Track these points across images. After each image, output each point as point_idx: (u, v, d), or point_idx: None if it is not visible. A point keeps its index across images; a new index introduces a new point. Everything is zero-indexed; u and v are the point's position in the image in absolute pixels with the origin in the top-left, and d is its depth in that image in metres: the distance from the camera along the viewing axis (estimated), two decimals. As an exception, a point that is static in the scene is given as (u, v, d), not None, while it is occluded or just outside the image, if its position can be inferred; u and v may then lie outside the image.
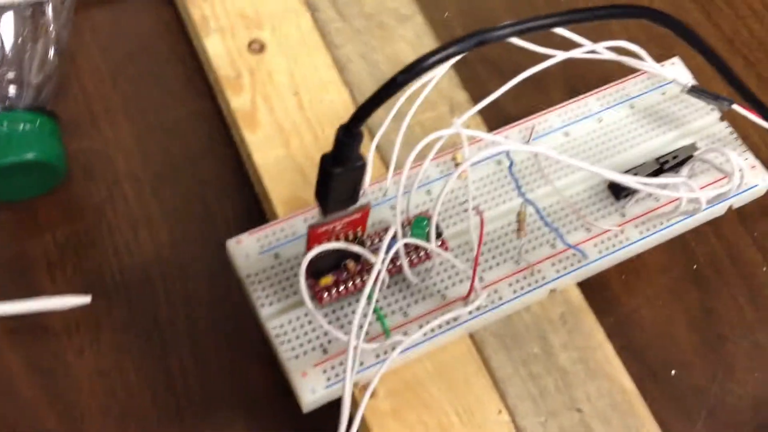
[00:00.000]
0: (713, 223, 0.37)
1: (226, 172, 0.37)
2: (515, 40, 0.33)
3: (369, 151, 0.32)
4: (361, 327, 0.27)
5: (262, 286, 0.31)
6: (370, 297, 0.26)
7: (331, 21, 0.38)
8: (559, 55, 0.31)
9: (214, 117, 0.38)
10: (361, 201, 0.27)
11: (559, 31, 0.32)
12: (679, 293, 0.35)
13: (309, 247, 0.28)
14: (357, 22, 0.38)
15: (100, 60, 0.39)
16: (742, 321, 0.35)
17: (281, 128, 0.35)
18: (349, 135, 0.24)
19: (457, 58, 0.23)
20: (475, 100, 0.37)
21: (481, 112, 0.37)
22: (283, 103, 0.36)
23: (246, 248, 0.31)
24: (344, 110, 0.36)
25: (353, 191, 0.26)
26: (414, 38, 0.38)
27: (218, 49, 0.37)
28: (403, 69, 0.22)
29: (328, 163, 0.25)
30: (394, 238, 0.29)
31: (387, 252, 0.27)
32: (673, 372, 0.34)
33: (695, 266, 0.36)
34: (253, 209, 0.36)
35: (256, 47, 0.37)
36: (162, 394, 0.32)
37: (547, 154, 0.27)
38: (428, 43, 0.38)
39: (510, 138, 0.35)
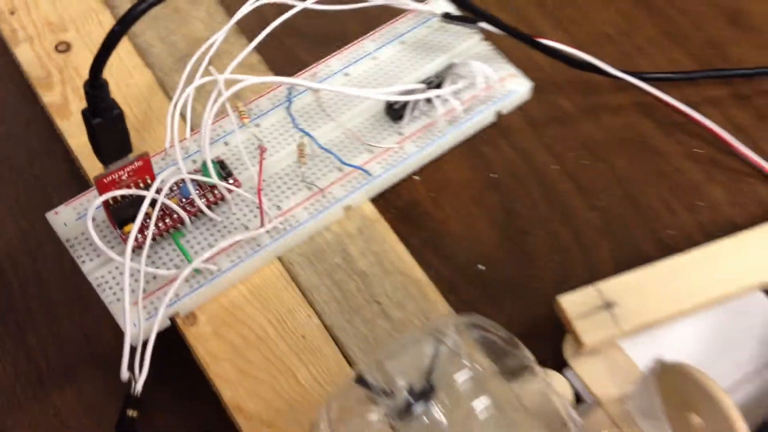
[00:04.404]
0: (508, 136, 0.41)
1: (62, 166, 0.40)
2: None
3: (168, 114, 0.36)
4: (138, 249, 0.31)
5: (82, 246, 0.35)
6: (179, 230, 0.29)
7: (130, 14, 0.42)
8: (299, 5, 0.36)
9: (46, 121, 0.41)
10: (139, 151, 0.31)
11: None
12: (481, 200, 0.40)
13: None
14: (154, 10, 0.42)
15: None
16: (539, 215, 0.39)
17: (92, 113, 0.39)
18: (94, 86, 0.28)
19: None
20: (267, 60, 0.41)
21: (278, 66, 0.41)
22: (92, 91, 0.40)
23: (63, 217, 0.35)
24: (148, 89, 0.40)
25: (123, 140, 0.30)
26: (206, 17, 0.42)
27: (28, 56, 0.41)
28: (118, 21, 0.26)
29: (88, 117, 0.29)
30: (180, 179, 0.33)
31: (161, 186, 0.31)
32: (482, 267, 0.38)
33: (494, 175, 0.40)
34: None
35: (63, 48, 0.41)
36: (23, 366, 0.35)
37: (304, 85, 0.31)
38: (220, 19, 0.42)
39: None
